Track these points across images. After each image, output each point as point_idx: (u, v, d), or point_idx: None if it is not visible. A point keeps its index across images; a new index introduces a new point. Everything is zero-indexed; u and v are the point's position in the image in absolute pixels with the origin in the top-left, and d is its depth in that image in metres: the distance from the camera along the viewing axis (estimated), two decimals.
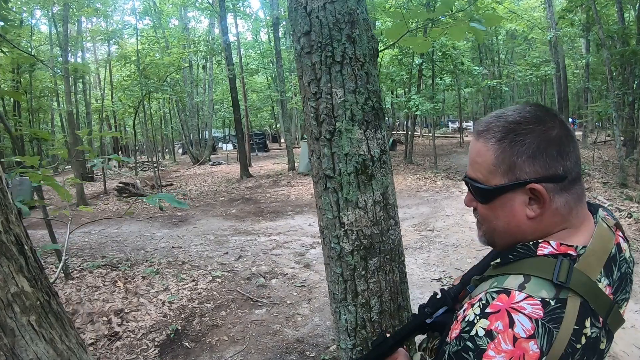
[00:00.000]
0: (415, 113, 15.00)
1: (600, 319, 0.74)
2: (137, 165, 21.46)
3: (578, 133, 21.25)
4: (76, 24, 21.87)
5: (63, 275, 5.58)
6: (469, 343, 0.71)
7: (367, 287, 1.68)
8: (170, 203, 1.87)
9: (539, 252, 0.77)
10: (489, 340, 0.69)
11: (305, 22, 1.68)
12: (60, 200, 13.40)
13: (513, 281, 0.75)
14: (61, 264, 3.10)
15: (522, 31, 24.12)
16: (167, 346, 3.85)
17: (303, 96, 1.76)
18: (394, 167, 13.88)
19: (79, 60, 21.91)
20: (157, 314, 4.52)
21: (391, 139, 19.52)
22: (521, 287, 0.73)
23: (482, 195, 0.83)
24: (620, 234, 0.85)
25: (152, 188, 13.24)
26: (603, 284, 0.75)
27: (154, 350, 3.80)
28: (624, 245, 0.84)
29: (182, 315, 4.38)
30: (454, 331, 0.76)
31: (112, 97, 23.53)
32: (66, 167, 20.96)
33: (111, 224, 9.47)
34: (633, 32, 13.49)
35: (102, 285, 5.41)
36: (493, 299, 0.73)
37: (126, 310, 4.66)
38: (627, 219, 7.25)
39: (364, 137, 1.62)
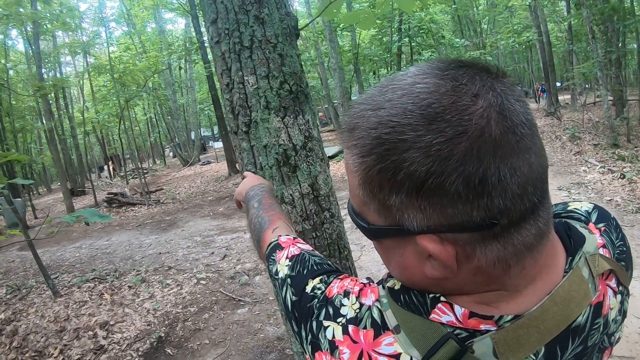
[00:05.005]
0: None
1: None
2: (128, 173, 21.35)
3: (566, 96, 21.07)
4: (52, 39, 21.64)
5: (52, 293, 5.56)
6: (324, 310, 0.56)
7: None
8: (92, 219, 1.77)
9: (432, 317, 0.48)
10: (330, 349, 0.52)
11: (212, 10, 1.56)
12: (52, 217, 13.33)
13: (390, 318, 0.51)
14: None
15: None
16: (150, 355, 3.81)
17: (221, 90, 1.65)
18: None
19: (58, 75, 21.64)
20: (141, 323, 4.46)
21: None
22: (397, 329, 0.49)
23: (361, 229, 0.52)
24: (611, 283, 0.54)
25: (141, 195, 13.13)
26: None
27: None
28: (610, 302, 0.53)
29: (166, 322, 4.32)
30: (334, 286, 0.58)
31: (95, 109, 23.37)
32: (58, 183, 20.85)
33: (101, 236, 9.38)
34: None
35: (89, 299, 5.38)
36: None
37: (111, 322, 4.62)
38: (620, 180, 7.19)
39: (282, 125, 1.51)
